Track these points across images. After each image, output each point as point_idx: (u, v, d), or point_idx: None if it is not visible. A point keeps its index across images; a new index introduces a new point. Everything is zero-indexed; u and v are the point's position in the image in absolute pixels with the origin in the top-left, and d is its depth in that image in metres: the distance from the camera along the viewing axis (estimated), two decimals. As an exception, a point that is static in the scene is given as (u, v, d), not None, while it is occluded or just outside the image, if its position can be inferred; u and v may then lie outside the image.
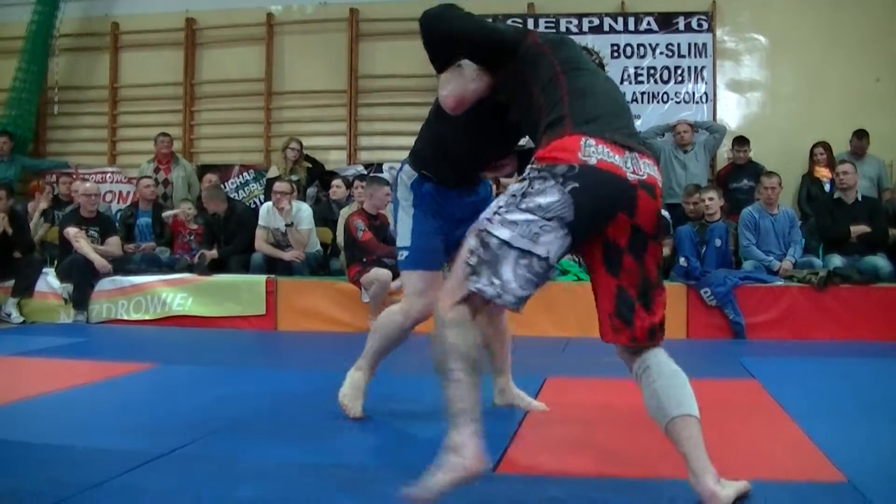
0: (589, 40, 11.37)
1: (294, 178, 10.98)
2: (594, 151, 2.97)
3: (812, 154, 10.81)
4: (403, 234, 4.28)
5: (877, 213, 9.31)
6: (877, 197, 10.15)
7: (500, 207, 3.00)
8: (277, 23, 12.57)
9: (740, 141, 11.00)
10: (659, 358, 3.13)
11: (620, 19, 11.61)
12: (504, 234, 2.93)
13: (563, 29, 11.37)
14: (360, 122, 12.32)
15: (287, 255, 9.60)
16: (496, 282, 2.93)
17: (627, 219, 3.01)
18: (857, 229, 9.10)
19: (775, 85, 11.59)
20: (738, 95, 11.70)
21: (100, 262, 9.49)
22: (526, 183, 3.00)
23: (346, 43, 12.24)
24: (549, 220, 2.92)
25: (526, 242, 2.92)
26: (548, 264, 2.98)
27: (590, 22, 11.61)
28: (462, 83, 3.71)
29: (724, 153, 11.55)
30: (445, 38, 3.65)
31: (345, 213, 9.81)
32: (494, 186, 5.34)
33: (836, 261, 8.89)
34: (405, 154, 11.26)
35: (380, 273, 8.63)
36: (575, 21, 11.59)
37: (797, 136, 10.92)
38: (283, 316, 9.20)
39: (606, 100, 3.29)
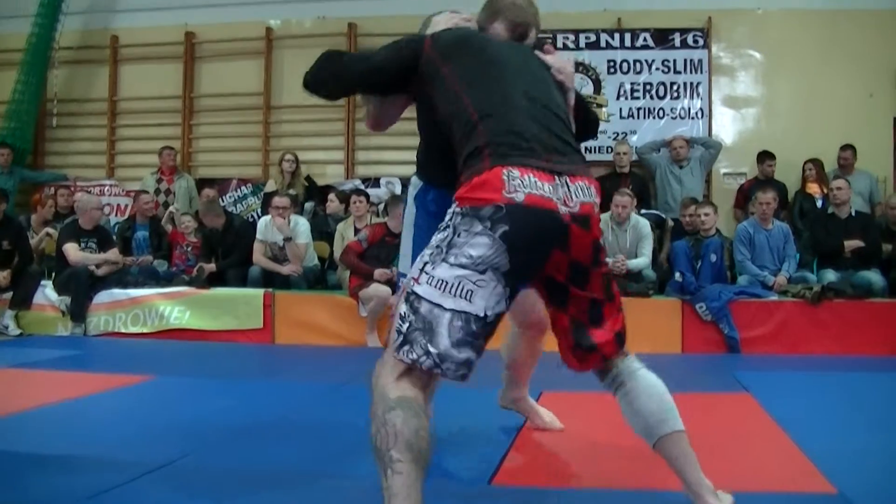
0: (586, 56, 11.52)
1: (292, 192, 11.02)
2: (520, 185, 2.72)
3: (804, 170, 10.87)
4: (404, 255, 3.93)
5: (870, 228, 9.36)
6: (869, 212, 10.19)
7: (425, 264, 2.75)
8: (276, 37, 12.60)
9: (767, 155, 10.99)
10: (631, 369, 3.03)
11: (617, 35, 11.64)
12: (433, 295, 2.68)
13: (559, 45, 11.39)
14: (357, 136, 12.32)
15: (285, 269, 9.63)
16: (432, 350, 2.65)
17: (563, 255, 2.84)
18: (851, 244, 9.15)
19: (770, 101, 11.63)
20: (733, 111, 11.73)
21: (102, 258, 9.77)
22: (450, 231, 2.75)
23: (345, 57, 12.23)
24: (482, 272, 2.68)
25: (460, 302, 2.67)
26: (485, 322, 2.71)
27: (587, 38, 11.62)
28: (374, 105, 3.58)
29: (721, 168, 11.61)
30: (338, 91, 3.45)
31: (341, 227, 9.88)
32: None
33: (830, 275, 8.94)
34: (402, 169, 11.31)
35: (379, 289, 8.67)
36: (572, 37, 11.61)
37: (792, 152, 10.95)
38: (281, 329, 9.22)
39: (527, 111, 2.98)
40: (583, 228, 2.84)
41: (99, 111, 13.07)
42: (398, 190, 11.34)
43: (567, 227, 2.79)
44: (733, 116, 11.74)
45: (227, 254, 10.07)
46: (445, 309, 2.67)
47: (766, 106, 11.67)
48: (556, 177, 2.80)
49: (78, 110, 13.18)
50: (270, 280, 9.68)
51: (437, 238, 2.78)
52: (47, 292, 9.73)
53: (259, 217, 10.83)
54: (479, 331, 2.71)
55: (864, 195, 10.59)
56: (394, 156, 11.82)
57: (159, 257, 10.55)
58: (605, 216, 8.98)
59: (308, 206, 11.35)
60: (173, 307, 9.43)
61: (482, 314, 2.70)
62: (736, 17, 11.70)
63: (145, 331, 9.37)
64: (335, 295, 9.36)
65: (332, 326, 9.10)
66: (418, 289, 2.72)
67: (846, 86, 11.18)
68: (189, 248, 10.42)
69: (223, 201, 11.69)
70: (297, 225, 9.77)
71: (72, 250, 9.67)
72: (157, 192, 11.62)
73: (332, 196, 11.02)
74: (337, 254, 9.71)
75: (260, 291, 9.35)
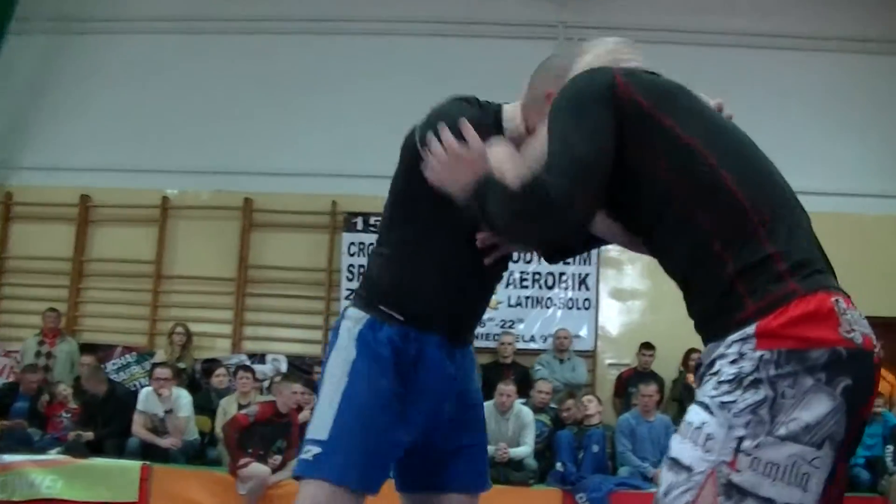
0: (477, 244, 11.70)
1: (181, 365, 10.91)
2: (852, 320, 2.02)
3: (686, 361, 11.09)
4: (319, 421, 2.64)
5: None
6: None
7: (742, 439, 1.96)
8: (172, 206, 12.61)
9: (646, 346, 11.14)
10: None
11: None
12: (762, 486, 1.94)
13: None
14: (246, 311, 12.30)
15: (164, 442, 9.44)
16: None
17: (861, 414, 2.08)
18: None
19: (655, 294, 11.90)
20: (619, 303, 12.01)
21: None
22: (766, 388, 1.97)
23: (239, 231, 12.32)
24: (818, 447, 1.95)
25: (795, 493, 1.95)
26: None
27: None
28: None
29: (605, 359, 11.83)
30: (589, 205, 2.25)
31: (224, 402, 9.78)
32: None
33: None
34: (290, 346, 11.21)
35: (259, 469, 8.56)
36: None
37: (673, 344, 11.18)
38: (157, 504, 8.97)
39: (797, 203, 2.24)
40: (879, 374, 2.15)
41: (-15, 268, 12.86)
42: (284, 368, 11.30)
43: (876, 369, 2.10)
44: (619, 308, 12.02)
45: (106, 422, 9.84)
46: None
47: (651, 299, 11.94)
48: (853, 305, 2.10)
49: (-37, 266, 12.96)
50: (149, 452, 9.45)
51: (745, 400, 1.99)
52: None
53: (143, 387, 10.65)
54: None
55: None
56: (281, 333, 11.86)
57: (35, 425, 10.24)
58: (488, 404, 9.03)
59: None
60: (45, 476, 9.10)
61: None
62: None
63: (14, 499, 9.02)
64: (214, 471, 9.20)
65: (210, 503, 8.87)
66: (739, 478, 1.96)
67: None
68: (68, 416, 10.18)
69: (106, 368, 11.47)
70: (179, 397, 9.65)
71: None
72: (38, 354, 11.36)
73: (220, 370, 10.89)
74: (218, 429, 9.56)
75: (137, 464, 9.12)
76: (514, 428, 9.21)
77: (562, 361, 11.02)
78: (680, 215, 2.18)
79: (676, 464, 2.06)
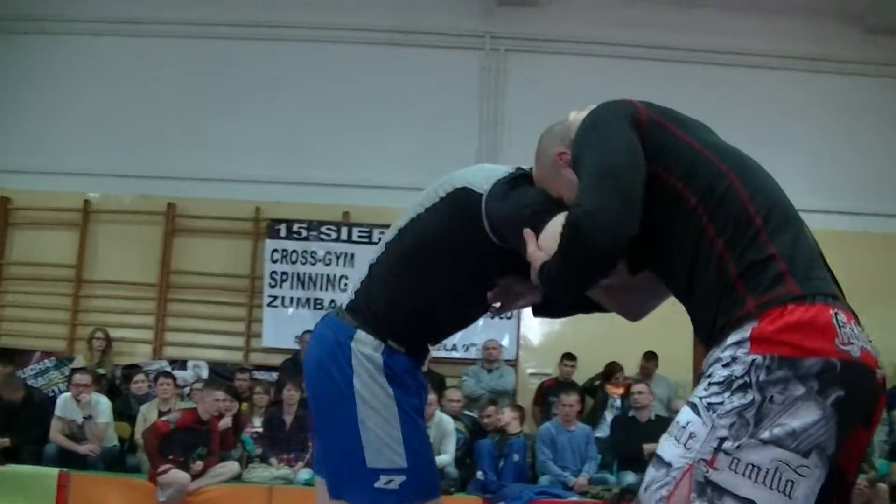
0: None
1: (101, 370, 10.78)
2: (850, 333, 2.03)
3: (606, 372, 11.20)
4: (386, 449, 2.78)
5: (669, 434, 9.64)
6: (669, 416, 10.53)
7: (723, 439, 2.02)
8: (94, 210, 12.44)
9: (567, 356, 11.20)
10: None
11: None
12: (741, 486, 1.97)
13: (375, 239, 11.62)
14: (168, 317, 12.18)
15: (83, 449, 9.31)
16: None
17: (863, 435, 2.12)
18: (651, 447, 9.40)
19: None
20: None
21: None
22: (755, 392, 2.01)
23: (162, 236, 12.20)
24: (805, 455, 1.97)
25: (778, 498, 1.96)
26: None
27: (380, 233, 11.78)
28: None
29: (527, 368, 11.94)
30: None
31: (144, 409, 9.69)
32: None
33: (630, 478, 9.15)
34: (212, 352, 11.03)
35: (178, 476, 8.50)
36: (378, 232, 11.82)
37: (594, 355, 11.27)
38: (74, 511, 8.85)
39: (797, 220, 2.27)
40: (882, 392, 2.14)
41: None
42: (205, 374, 11.22)
43: (880, 389, 2.11)
44: (541, 321, 12.04)
45: (23, 429, 9.68)
46: None
47: (574, 313, 12.00)
48: (857, 322, 2.12)
49: None
50: (67, 459, 9.30)
51: (732, 402, 2.04)
52: None
53: (61, 392, 10.49)
54: None
55: (663, 400, 10.95)
56: (203, 339, 11.81)
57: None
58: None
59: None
60: (-43, 485, 8.97)
61: None
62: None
63: (-74, 509, 8.88)
64: (133, 478, 9.09)
65: (128, 511, 8.79)
66: (717, 477, 2.00)
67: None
68: (-17, 422, 10.01)
69: (24, 373, 11.30)
70: (98, 404, 9.53)
71: None
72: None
73: (140, 376, 10.74)
74: (138, 436, 9.46)
75: (55, 471, 8.96)
76: (436, 436, 9.22)
77: (489, 371, 11.07)
78: (686, 218, 2.22)
79: (659, 460, 2.15)
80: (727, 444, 1.99)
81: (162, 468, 8.55)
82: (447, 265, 2.80)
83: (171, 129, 12.25)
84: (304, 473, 9.12)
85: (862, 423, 2.08)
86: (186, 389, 10.83)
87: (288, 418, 9.54)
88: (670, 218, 2.25)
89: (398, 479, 2.74)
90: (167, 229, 12.18)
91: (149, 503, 8.68)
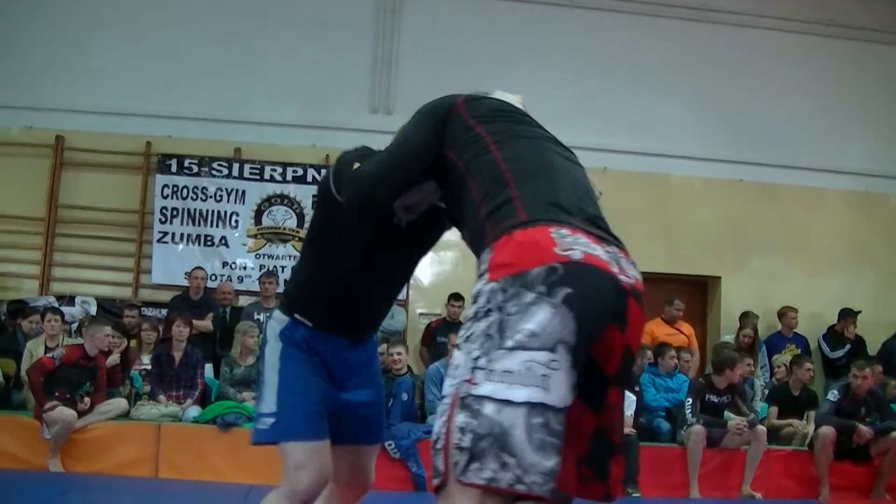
0: (291, 189, 11.71)
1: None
2: (573, 242, 2.29)
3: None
4: (268, 398, 3.36)
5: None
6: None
7: (476, 359, 2.23)
8: (-22, 142, 12.16)
9: (454, 297, 11.23)
10: None
11: (324, 171, 11.84)
12: (499, 390, 2.17)
13: (266, 177, 11.66)
14: (55, 252, 11.94)
15: (-34, 386, 9.19)
16: (510, 461, 2.13)
17: (619, 336, 2.35)
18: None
19: (465, 245, 12.12)
20: (431, 253, 11.68)
21: None
22: (495, 313, 2.26)
23: (49, 170, 11.94)
24: (552, 349, 2.18)
25: (534, 392, 2.16)
26: (563, 416, 2.21)
27: (294, 171, 11.88)
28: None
29: (416, 308, 12.11)
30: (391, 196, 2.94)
31: (31, 345, 9.56)
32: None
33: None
34: (99, 288, 10.98)
35: (65, 412, 8.44)
36: (280, 169, 11.82)
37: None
38: (-44, 449, 8.72)
39: (568, 177, 2.60)
40: (639, 306, 2.40)
41: None
42: (93, 310, 11.09)
43: (627, 297, 2.36)
44: (430, 258, 12.06)
45: None
46: (518, 404, 2.16)
47: (462, 249, 12.00)
48: (606, 244, 2.39)
49: None
50: (-50, 397, 9.19)
51: (479, 327, 2.28)
52: None
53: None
54: (560, 429, 2.20)
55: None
56: (91, 275, 11.63)
57: None
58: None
59: None
60: None
61: (560, 405, 2.20)
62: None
63: None
64: (18, 415, 8.99)
65: (14, 449, 8.71)
66: (476, 389, 2.19)
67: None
68: None
69: None
70: (-19, 340, 9.39)
71: None
72: None
73: (26, 312, 10.58)
74: (24, 373, 9.34)
75: (-66, 409, 8.85)
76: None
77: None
78: (461, 184, 2.68)
79: (442, 398, 2.37)
80: (481, 361, 2.22)
81: (48, 405, 8.49)
82: (325, 242, 3.37)
83: (59, 61, 11.97)
84: (193, 411, 9.16)
85: (611, 320, 2.31)
86: (74, 325, 10.68)
87: (177, 355, 9.52)
88: (458, 187, 2.70)
89: (269, 421, 3.33)
90: (55, 162, 11.92)
91: (34, 441, 8.63)
